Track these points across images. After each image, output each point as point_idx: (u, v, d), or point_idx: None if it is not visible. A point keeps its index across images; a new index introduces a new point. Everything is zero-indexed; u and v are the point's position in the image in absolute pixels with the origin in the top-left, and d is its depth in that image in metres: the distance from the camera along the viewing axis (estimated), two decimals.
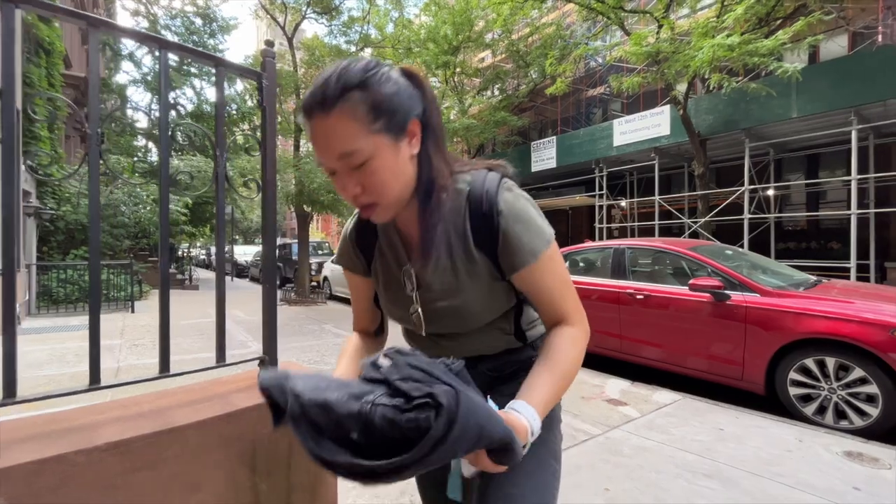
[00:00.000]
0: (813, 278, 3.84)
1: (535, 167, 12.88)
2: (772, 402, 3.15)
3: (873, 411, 2.71)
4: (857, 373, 2.77)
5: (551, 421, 0.79)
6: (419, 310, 0.79)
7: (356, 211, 0.80)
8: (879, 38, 8.04)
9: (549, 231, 0.73)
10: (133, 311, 7.82)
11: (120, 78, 16.11)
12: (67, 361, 4.34)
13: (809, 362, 2.95)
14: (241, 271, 19.42)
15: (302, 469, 1.06)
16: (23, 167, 6.87)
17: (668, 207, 10.31)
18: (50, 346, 4.98)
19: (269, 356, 1.20)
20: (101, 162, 0.97)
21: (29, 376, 3.76)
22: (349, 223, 0.88)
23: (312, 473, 1.09)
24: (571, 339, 0.72)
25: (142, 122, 14.16)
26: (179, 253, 15.17)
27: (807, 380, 2.97)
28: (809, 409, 2.95)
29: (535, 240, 0.70)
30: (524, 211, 0.71)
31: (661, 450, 2.47)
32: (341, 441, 0.50)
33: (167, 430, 0.88)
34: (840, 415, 2.86)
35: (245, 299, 9.76)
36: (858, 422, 2.77)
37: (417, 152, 0.69)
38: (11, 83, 0.85)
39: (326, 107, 0.61)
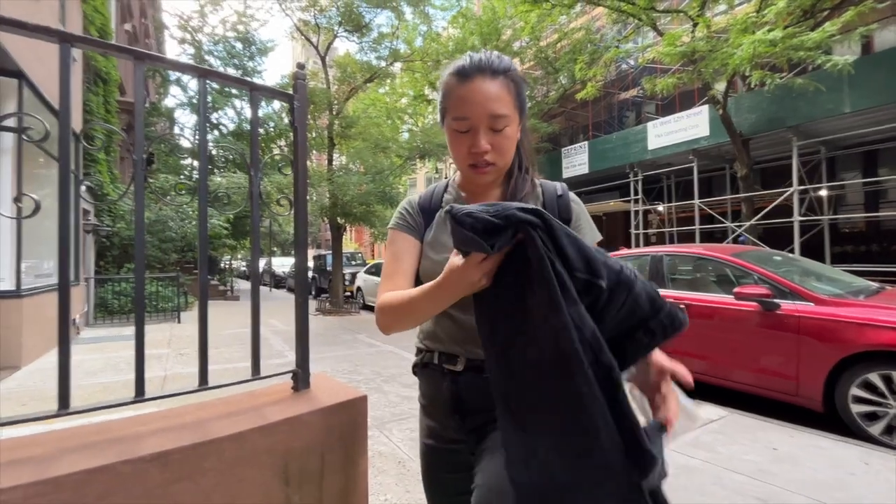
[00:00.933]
0: (875, 285, 3.56)
1: (566, 173, 12.69)
2: (831, 419, 2.92)
3: None
4: None
5: None
6: None
7: (408, 198, 0.98)
8: None
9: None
10: (179, 322, 8.23)
11: (168, 102, 17.22)
12: (121, 369, 4.60)
13: (874, 377, 2.71)
14: (278, 282, 20.09)
15: (333, 482, 1.07)
16: (83, 188, 7.44)
17: (709, 211, 9.86)
18: (106, 355, 5.31)
19: (301, 369, 1.22)
20: (147, 183, 1.03)
21: (86, 383, 4.02)
22: (412, 197, 0.98)
23: (343, 486, 1.09)
24: None
25: (187, 142, 15.05)
26: (221, 265, 15.85)
27: (872, 396, 2.73)
28: (876, 429, 2.71)
29: (595, 231, 0.92)
30: (586, 210, 0.93)
31: (707, 469, 2.33)
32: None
33: (205, 441, 0.90)
34: None
35: (282, 309, 10.08)
36: None
37: (518, 140, 0.87)
38: (67, 110, 0.92)
39: (494, 73, 0.79)
